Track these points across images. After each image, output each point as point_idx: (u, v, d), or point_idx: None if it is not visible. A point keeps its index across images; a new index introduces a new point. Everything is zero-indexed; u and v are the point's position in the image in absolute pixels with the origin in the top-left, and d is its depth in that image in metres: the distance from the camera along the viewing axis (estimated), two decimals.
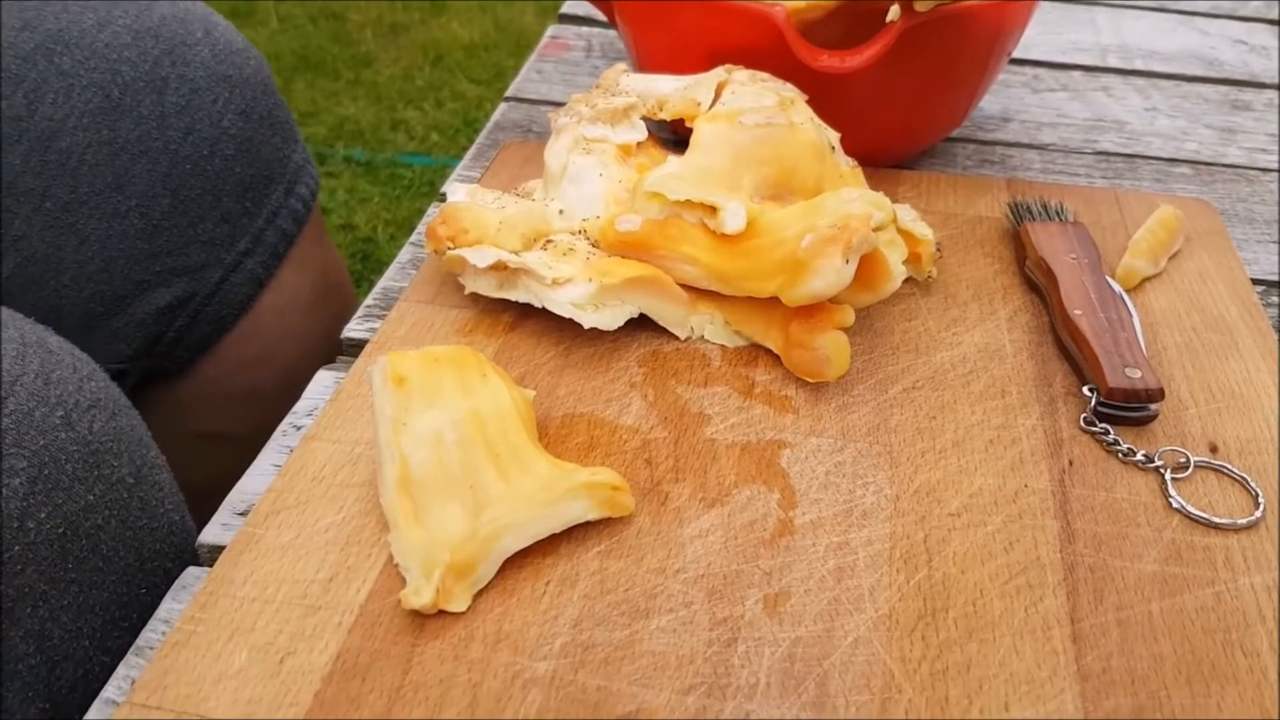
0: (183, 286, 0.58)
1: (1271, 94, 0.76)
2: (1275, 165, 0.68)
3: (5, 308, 0.37)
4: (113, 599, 0.38)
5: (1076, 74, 0.78)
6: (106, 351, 0.55)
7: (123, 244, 0.54)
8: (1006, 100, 0.74)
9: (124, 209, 0.54)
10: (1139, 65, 0.79)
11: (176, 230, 0.56)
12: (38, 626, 0.36)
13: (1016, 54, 0.78)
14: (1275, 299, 0.56)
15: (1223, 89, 0.77)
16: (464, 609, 0.36)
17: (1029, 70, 0.78)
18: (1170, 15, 0.87)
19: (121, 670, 0.36)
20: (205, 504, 0.42)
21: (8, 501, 0.34)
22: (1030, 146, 0.69)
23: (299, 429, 0.45)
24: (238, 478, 0.43)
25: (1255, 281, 0.57)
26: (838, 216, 0.43)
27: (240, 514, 0.41)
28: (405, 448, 0.37)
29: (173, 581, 0.39)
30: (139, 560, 0.39)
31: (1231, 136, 0.71)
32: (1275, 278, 0.58)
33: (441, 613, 0.36)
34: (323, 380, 0.48)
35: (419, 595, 0.35)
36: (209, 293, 0.59)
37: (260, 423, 0.46)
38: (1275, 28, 0.86)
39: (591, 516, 0.38)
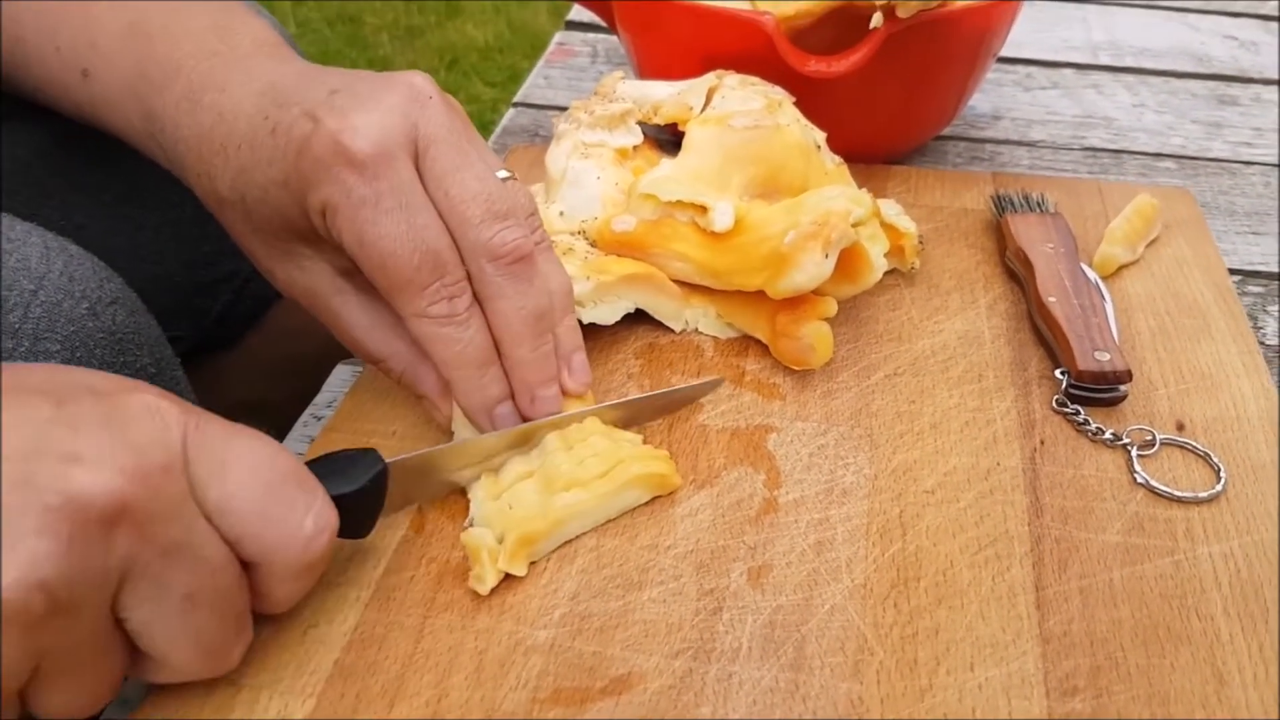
0: (229, 265, 0.61)
1: (1258, 88, 0.78)
2: (1258, 158, 0.69)
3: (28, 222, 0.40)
4: None
5: (1068, 71, 0.80)
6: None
7: (175, 230, 0.57)
8: (998, 99, 0.76)
9: (178, 199, 0.57)
10: (1129, 62, 0.81)
11: None
12: None
13: (1008, 53, 0.81)
14: (1252, 289, 0.58)
15: (1211, 84, 0.79)
16: (522, 574, 0.39)
17: (1021, 69, 0.80)
18: (1161, 11, 0.89)
19: None
20: None
21: None
22: (1020, 143, 0.71)
23: (319, 419, 0.49)
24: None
25: (1232, 272, 0.59)
26: (818, 213, 0.46)
27: None
28: None
29: None
30: None
31: (1217, 131, 0.73)
32: (1251, 268, 0.60)
33: (454, 586, 0.39)
34: (341, 374, 0.51)
35: (482, 583, 0.38)
36: (254, 270, 0.63)
37: (300, 390, 0.49)
38: (1265, 23, 0.88)
39: (643, 500, 0.42)
